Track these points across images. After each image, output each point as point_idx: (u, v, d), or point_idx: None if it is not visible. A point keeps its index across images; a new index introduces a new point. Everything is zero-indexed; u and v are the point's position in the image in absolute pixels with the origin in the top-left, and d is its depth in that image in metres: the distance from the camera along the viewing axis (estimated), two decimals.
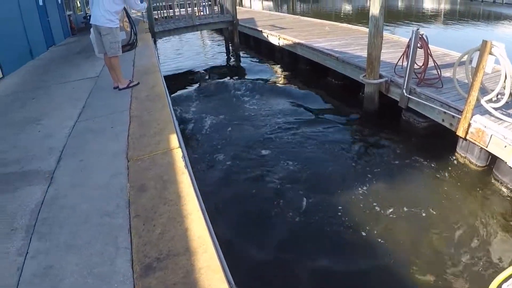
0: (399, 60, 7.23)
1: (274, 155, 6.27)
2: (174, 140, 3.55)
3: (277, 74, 11.88)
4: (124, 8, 5.91)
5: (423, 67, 6.71)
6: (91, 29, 5.71)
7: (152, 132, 3.85)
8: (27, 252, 2.37)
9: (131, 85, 5.78)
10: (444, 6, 36.03)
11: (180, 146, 3.43)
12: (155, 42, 12.29)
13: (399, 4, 39.49)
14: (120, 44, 5.67)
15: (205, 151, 6.54)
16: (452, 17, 28.07)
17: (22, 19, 10.05)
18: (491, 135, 4.99)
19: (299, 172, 5.71)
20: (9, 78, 7.93)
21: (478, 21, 25.38)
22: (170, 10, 14.63)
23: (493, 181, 5.21)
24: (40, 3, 12.13)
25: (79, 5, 21.43)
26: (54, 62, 9.34)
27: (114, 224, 2.49)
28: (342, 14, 33.41)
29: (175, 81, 12.44)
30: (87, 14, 21.17)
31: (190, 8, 14.06)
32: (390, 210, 4.73)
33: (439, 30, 21.61)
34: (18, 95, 6.38)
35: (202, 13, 14.99)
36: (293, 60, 12.06)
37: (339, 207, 4.82)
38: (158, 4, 14.72)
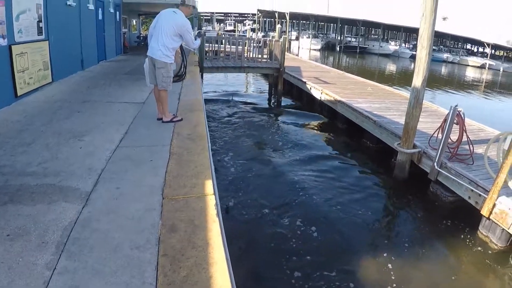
0: (434, 132, 7.65)
1: (296, 214, 6.46)
2: (209, 186, 3.79)
3: (314, 128, 12.29)
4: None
5: (456, 143, 7.07)
6: (146, 59, 6.15)
7: (189, 173, 4.11)
8: (55, 268, 2.57)
9: (174, 119, 6.13)
10: (486, 77, 36.69)
11: (214, 194, 3.67)
12: (202, 76, 12.89)
13: (443, 70, 40.58)
14: (171, 80, 6.10)
15: (225, 195, 6.79)
16: (493, 88, 28.68)
17: (80, 29, 10.82)
18: None
19: (320, 236, 5.88)
20: (58, 85, 8.53)
21: None
22: (221, 45, 15.39)
23: (511, 262, 5.42)
24: (100, 17, 12.99)
25: (134, 23, 22.68)
26: (103, 78, 9.94)
27: (142, 258, 2.70)
28: (386, 73, 34.42)
29: (212, 108, 13.02)
30: (141, 34, 22.40)
31: (240, 47, 14.84)
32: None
33: (478, 100, 22.34)
34: (64, 104, 6.90)
35: (250, 53, 15.75)
36: (332, 116, 12.52)
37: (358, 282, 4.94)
38: (210, 38, 15.64)
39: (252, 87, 21.08)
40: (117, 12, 15.77)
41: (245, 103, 15.47)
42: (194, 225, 3.12)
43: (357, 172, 8.68)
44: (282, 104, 15.50)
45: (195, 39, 6.29)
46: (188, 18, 6.05)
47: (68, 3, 9.90)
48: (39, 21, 8.00)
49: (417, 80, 7.35)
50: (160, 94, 6.06)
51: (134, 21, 22.55)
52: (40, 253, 2.72)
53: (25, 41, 7.36)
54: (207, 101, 13.75)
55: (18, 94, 7.02)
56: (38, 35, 7.97)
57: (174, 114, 6.33)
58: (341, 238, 5.93)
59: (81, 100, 7.29)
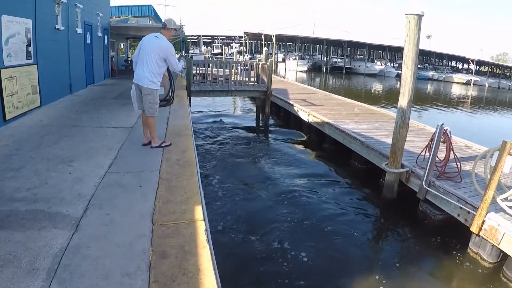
0: (422, 151, 7.79)
1: (286, 237, 6.46)
2: (199, 212, 3.85)
3: (302, 149, 12.38)
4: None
5: (444, 161, 7.20)
6: (133, 86, 6.20)
7: (179, 199, 4.17)
8: None
9: (163, 145, 6.18)
10: (472, 93, 37.42)
11: (204, 219, 3.73)
12: (189, 100, 13.00)
13: (429, 87, 41.40)
14: (157, 106, 6.15)
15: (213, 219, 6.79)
16: (479, 104, 29.30)
17: (69, 54, 10.91)
18: (504, 233, 5.35)
19: (310, 259, 5.88)
20: (47, 109, 8.57)
21: (504, 109, 26.70)
22: (208, 69, 15.56)
23: (502, 278, 5.49)
24: (88, 41, 13.09)
25: (122, 47, 22.81)
26: (92, 103, 10.00)
27: (134, 285, 2.74)
28: (372, 93, 34.93)
29: (200, 129, 13.10)
30: (129, 58, 22.52)
31: (228, 70, 15.11)
32: None
33: (465, 117, 23.01)
34: (53, 129, 6.94)
35: (237, 76, 15.94)
36: (320, 138, 12.63)
37: None
38: (198, 61, 15.88)
39: (239, 108, 21.29)
40: (105, 36, 15.91)
41: (233, 124, 15.63)
42: (184, 251, 3.17)
43: (346, 192, 8.76)
44: (270, 126, 15.67)
45: (179, 62, 6.36)
46: (174, 41, 6.13)
47: (57, 27, 10.02)
48: (28, 45, 8.09)
49: (403, 100, 7.47)
50: (148, 119, 6.12)
51: (122, 45, 22.69)
52: (31, 279, 2.73)
53: (14, 65, 7.43)
54: (195, 122, 13.88)
55: (7, 118, 7.05)
56: (27, 59, 8.05)
57: (162, 140, 6.38)
58: (331, 260, 5.95)
59: (70, 125, 7.34)
